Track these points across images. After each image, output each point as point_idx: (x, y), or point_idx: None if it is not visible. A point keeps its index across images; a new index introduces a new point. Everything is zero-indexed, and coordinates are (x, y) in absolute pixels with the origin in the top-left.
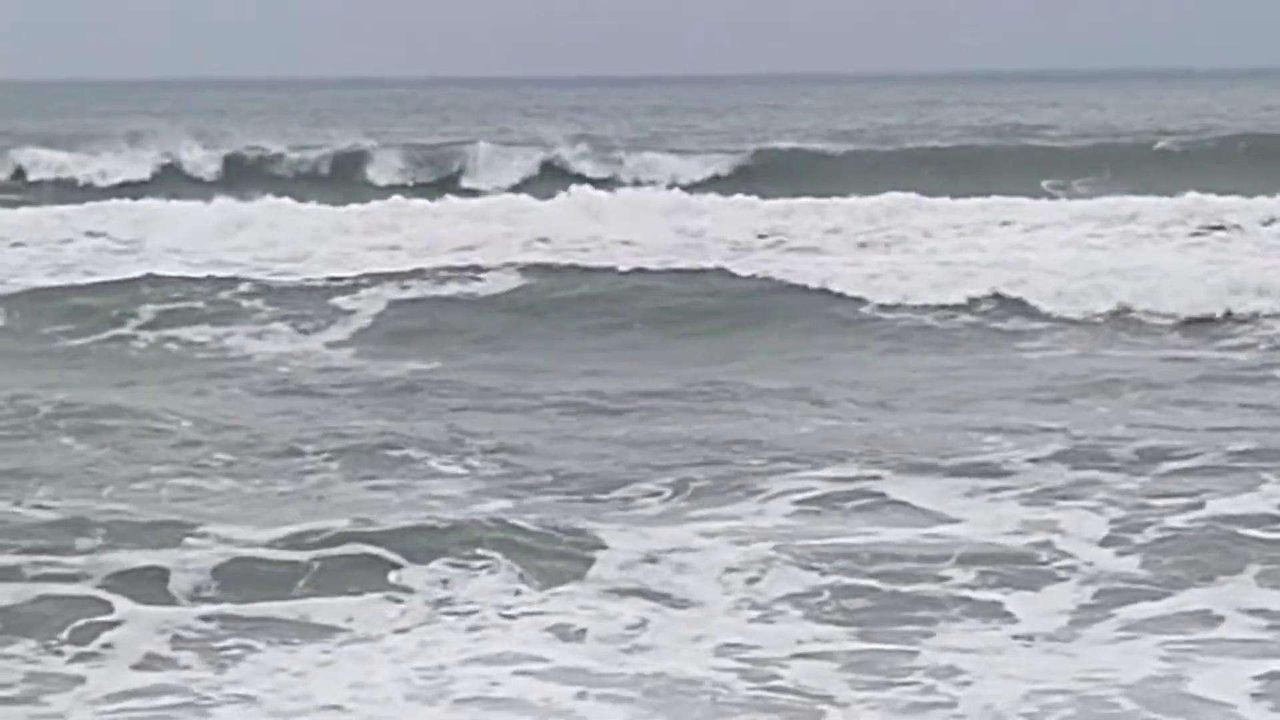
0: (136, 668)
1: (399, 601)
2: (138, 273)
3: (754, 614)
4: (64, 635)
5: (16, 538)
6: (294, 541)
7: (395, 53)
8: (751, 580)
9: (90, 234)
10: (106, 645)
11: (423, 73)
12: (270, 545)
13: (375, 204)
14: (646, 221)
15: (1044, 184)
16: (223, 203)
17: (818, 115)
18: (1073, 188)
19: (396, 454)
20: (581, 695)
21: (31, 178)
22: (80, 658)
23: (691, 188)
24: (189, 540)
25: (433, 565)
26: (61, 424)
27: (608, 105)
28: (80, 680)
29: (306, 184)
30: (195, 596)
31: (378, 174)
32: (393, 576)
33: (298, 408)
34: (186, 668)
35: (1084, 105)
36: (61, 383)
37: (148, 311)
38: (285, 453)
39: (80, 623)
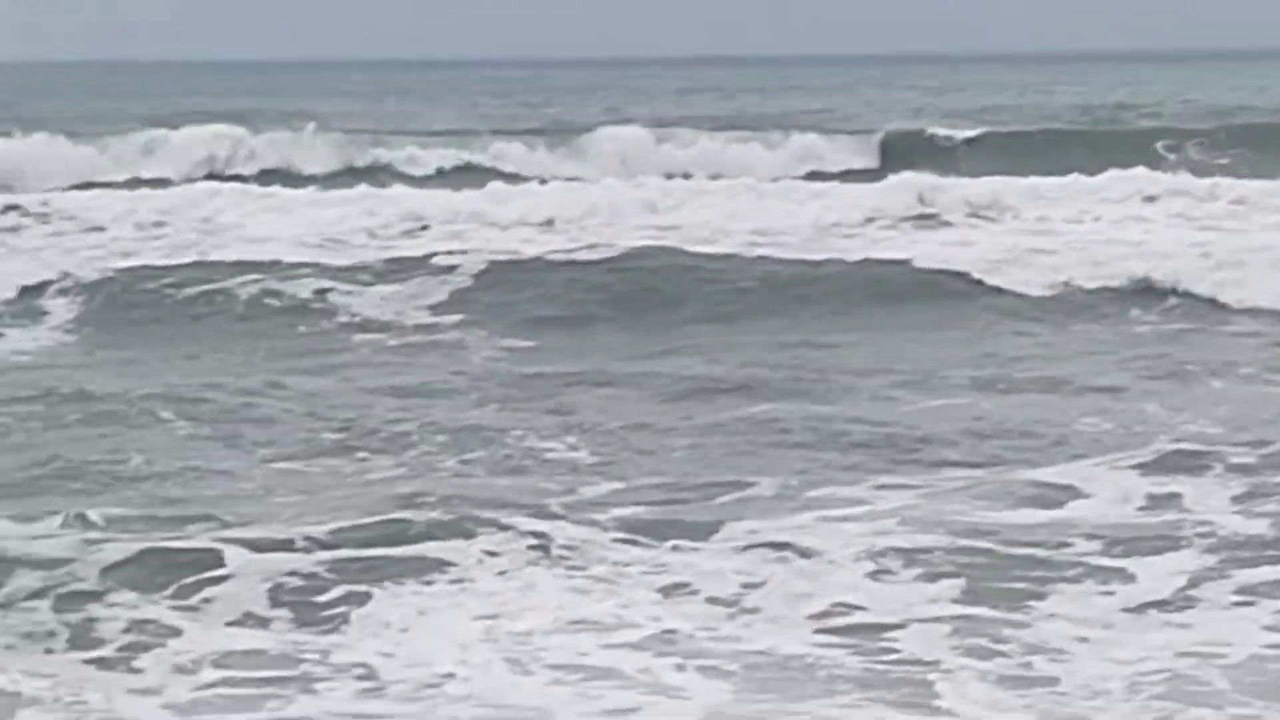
0: (233, 623)
1: (498, 558)
2: (248, 255)
3: (867, 578)
4: (169, 590)
5: (127, 522)
6: (398, 515)
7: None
8: (865, 547)
9: (205, 218)
10: (208, 600)
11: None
12: (375, 517)
13: (493, 185)
14: (769, 205)
15: (1158, 146)
16: (338, 189)
17: (923, 95)
18: (1190, 161)
19: (503, 435)
20: (680, 667)
21: (153, 162)
22: (182, 610)
23: (823, 172)
24: (293, 514)
25: (540, 529)
26: (163, 403)
27: (703, 86)
28: (177, 632)
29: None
30: (298, 553)
31: (506, 162)
32: (499, 541)
33: (402, 387)
34: (289, 629)
35: (1181, 85)
36: (167, 361)
37: (255, 291)
38: (389, 434)
39: (188, 579)
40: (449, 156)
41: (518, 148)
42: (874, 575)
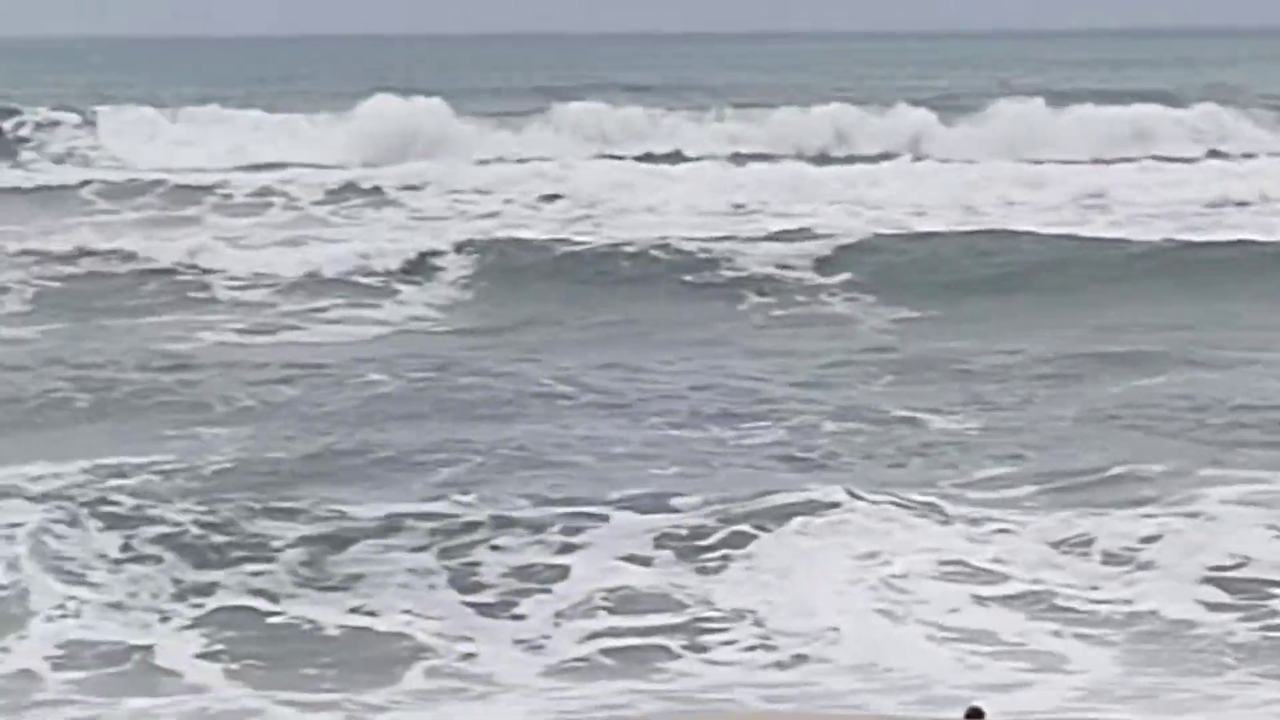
0: (618, 568)
1: (877, 510)
2: (637, 229)
3: (1272, 540)
4: (552, 541)
5: (512, 483)
6: (779, 477)
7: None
8: (1264, 516)
9: (596, 193)
10: (590, 545)
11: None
12: (756, 480)
13: (884, 165)
14: (1163, 179)
15: None
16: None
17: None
18: None
19: (887, 409)
20: (1057, 634)
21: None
22: (566, 555)
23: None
24: (675, 476)
25: (922, 496)
26: (550, 374)
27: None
28: (563, 575)
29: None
30: (680, 512)
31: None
32: (878, 499)
33: (789, 359)
34: (673, 573)
35: None
36: (557, 327)
37: (643, 265)
38: (773, 404)
39: (572, 528)
40: (839, 126)
41: (913, 120)
42: (1274, 539)
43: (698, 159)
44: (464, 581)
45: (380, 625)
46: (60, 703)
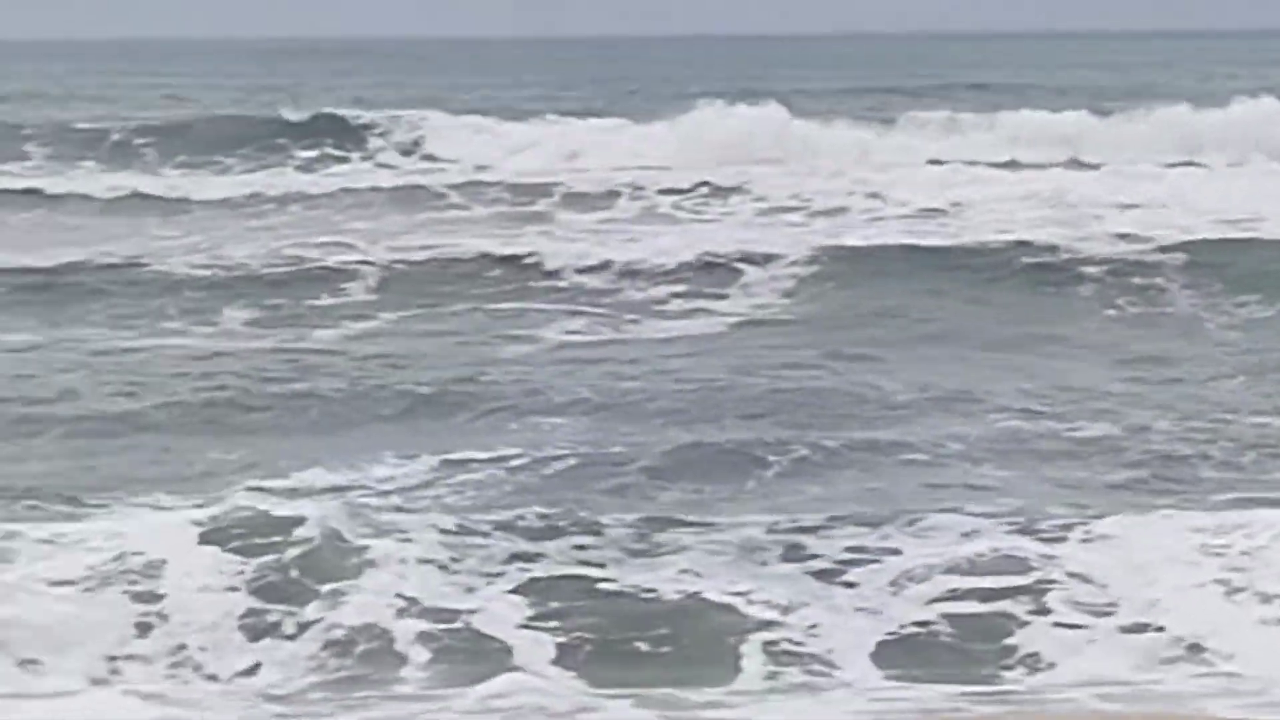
0: (953, 544)
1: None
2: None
3: None
4: (889, 527)
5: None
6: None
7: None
8: None
9: (927, 198)
10: (931, 529)
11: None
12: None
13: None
14: None
15: None
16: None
17: None
18: None
19: (1234, 412)
20: None
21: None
22: (900, 537)
23: None
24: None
25: (1265, 487)
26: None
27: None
28: (896, 553)
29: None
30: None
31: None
32: (1220, 489)
33: (1131, 364)
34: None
35: None
36: (890, 328)
37: (1001, 270)
38: (1113, 406)
39: (902, 514)
40: (1182, 127)
41: (1257, 120)
42: None
43: (1046, 165)
44: (797, 559)
45: (712, 595)
46: (413, 697)
